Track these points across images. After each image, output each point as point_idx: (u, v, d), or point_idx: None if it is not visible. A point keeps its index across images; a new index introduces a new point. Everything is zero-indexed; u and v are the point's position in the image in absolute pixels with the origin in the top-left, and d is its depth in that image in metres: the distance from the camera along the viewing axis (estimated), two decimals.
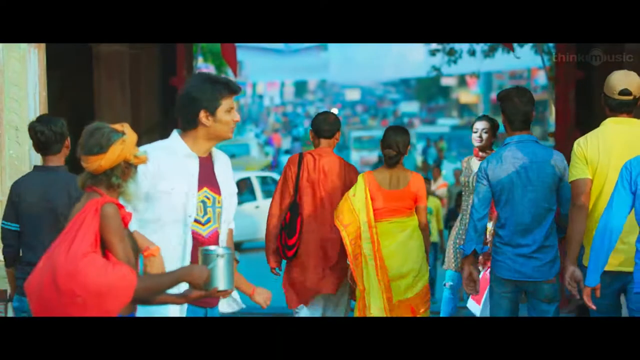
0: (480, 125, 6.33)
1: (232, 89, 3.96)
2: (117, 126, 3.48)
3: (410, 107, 45.66)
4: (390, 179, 5.75)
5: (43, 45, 5.97)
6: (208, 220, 3.99)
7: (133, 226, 3.83)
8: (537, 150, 4.93)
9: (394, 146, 5.71)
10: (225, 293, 3.55)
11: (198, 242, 3.95)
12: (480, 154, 6.29)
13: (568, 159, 4.84)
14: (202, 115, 3.93)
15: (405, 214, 5.73)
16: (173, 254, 3.91)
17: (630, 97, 4.69)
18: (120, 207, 3.40)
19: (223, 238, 4.07)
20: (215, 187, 4.04)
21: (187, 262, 3.91)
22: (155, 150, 3.90)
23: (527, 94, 5.01)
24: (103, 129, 3.44)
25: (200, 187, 3.98)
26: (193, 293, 3.51)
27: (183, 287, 3.57)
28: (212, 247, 3.57)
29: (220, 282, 3.51)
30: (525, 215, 4.89)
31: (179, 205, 3.92)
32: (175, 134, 4.02)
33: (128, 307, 3.47)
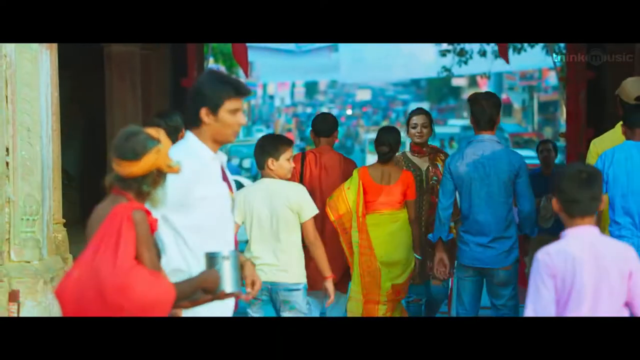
0: (419, 120, 6.38)
1: (240, 91, 3.85)
2: (153, 132, 3.38)
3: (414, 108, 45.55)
4: (382, 174, 6.15)
5: (55, 46, 5.99)
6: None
7: (168, 236, 3.75)
8: (495, 148, 5.50)
9: (386, 144, 6.13)
10: (233, 295, 3.53)
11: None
12: (424, 149, 6.42)
13: (580, 158, 4.92)
14: (203, 112, 3.82)
15: (395, 207, 6.13)
16: None
17: None
18: (148, 213, 3.35)
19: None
20: (229, 186, 3.99)
21: None
22: (184, 154, 3.74)
23: (493, 97, 5.61)
24: (139, 135, 3.35)
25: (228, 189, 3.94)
26: (201, 297, 3.49)
27: None
28: (216, 250, 3.53)
29: (227, 284, 3.47)
30: (482, 207, 5.47)
31: (218, 208, 3.82)
32: (191, 135, 3.90)
33: None
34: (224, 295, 3.49)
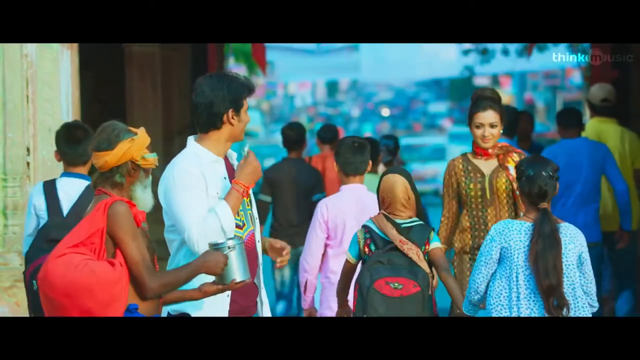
0: (485, 118, 5.08)
1: (251, 88, 3.89)
2: (133, 128, 3.45)
3: (439, 107, 45.36)
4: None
5: (76, 46, 5.99)
6: (243, 224, 3.90)
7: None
8: None
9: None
10: (244, 284, 3.50)
11: None
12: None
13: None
14: (230, 114, 3.83)
15: None
16: None
17: None
18: (132, 205, 3.36)
19: (258, 238, 3.99)
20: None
21: None
22: (191, 158, 3.81)
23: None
24: (115, 126, 3.41)
25: None
26: (210, 287, 3.46)
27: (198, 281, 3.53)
28: (220, 240, 3.51)
29: (237, 273, 3.46)
30: None
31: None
32: (193, 142, 3.90)
33: (152, 307, 3.43)
34: (234, 285, 3.47)
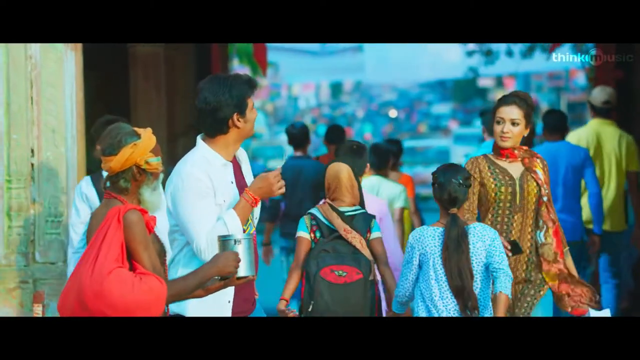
0: (507, 113, 4.74)
1: (254, 85, 3.88)
2: (138, 130, 3.42)
3: (442, 108, 45.30)
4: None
5: (80, 47, 5.99)
6: (246, 227, 3.91)
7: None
8: None
9: None
10: (247, 279, 3.47)
11: None
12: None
13: None
14: (235, 118, 3.82)
15: None
16: None
17: None
18: (144, 212, 3.34)
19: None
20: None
21: None
22: (199, 162, 3.81)
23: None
24: (119, 130, 3.39)
25: (240, 194, 3.90)
26: (213, 283, 3.45)
27: None
28: (229, 234, 3.50)
29: (241, 268, 3.42)
30: None
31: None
32: (202, 143, 3.89)
33: None
34: (236, 280, 3.45)
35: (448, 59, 28.48)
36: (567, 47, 13.79)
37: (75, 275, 3.29)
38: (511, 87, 36.60)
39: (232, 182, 3.88)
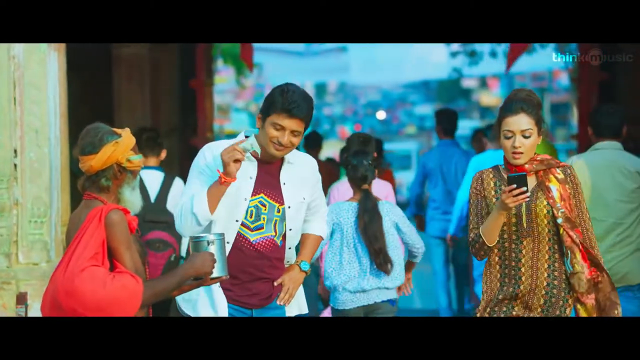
0: (517, 123, 4.00)
1: (284, 108, 3.83)
2: (118, 130, 3.42)
3: (425, 109, 45.34)
4: None
5: (63, 48, 5.96)
6: (259, 227, 3.92)
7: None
8: None
9: None
10: (220, 279, 3.50)
11: (243, 245, 3.90)
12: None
13: None
14: (258, 115, 3.93)
15: None
16: None
17: None
18: (126, 212, 3.34)
19: (292, 246, 4.02)
20: (276, 195, 3.96)
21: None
22: (219, 147, 3.90)
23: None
24: (98, 129, 3.39)
25: (256, 193, 3.92)
26: (187, 284, 3.45)
27: None
28: (202, 234, 3.52)
29: (214, 269, 3.45)
30: None
31: (232, 206, 3.86)
32: (241, 135, 3.99)
33: (140, 311, 3.42)
34: (209, 280, 3.46)
35: (432, 59, 28.56)
36: (551, 47, 13.86)
37: (53, 276, 3.29)
38: (495, 87, 36.76)
39: (250, 178, 3.91)
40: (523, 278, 3.97)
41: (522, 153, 3.94)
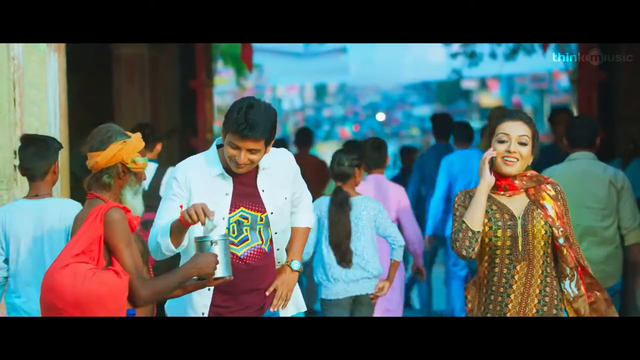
0: (514, 129, 3.79)
1: (236, 130, 3.68)
2: (129, 133, 3.44)
3: (423, 110, 45.25)
4: None
5: (63, 48, 5.96)
6: (245, 239, 3.83)
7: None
8: None
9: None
10: (223, 280, 3.48)
11: (232, 261, 3.74)
12: None
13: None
14: (222, 129, 3.78)
15: None
16: None
17: None
18: (127, 211, 3.35)
19: (280, 247, 3.95)
20: (256, 204, 3.85)
21: None
22: (190, 166, 3.77)
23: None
24: (110, 128, 3.41)
25: (234, 208, 3.81)
26: (191, 284, 3.44)
27: None
28: (206, 235, 3.50)
29: (218, 269, 3.44)
30: None
31: (209, 227, 3.71)
32: (213, 147, 3.85)
33: (147, 310, 3.43)
34: (212, 281, 3.45)
35: (432, 60, 28.56)
36: (551, 47, 13.86)
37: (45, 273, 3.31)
38: (495, 89, 36.76)
39: (226, 194, 3.79)
40: (510, 306, 3.68)
41: (516, 160, 3.65)
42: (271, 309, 3.95)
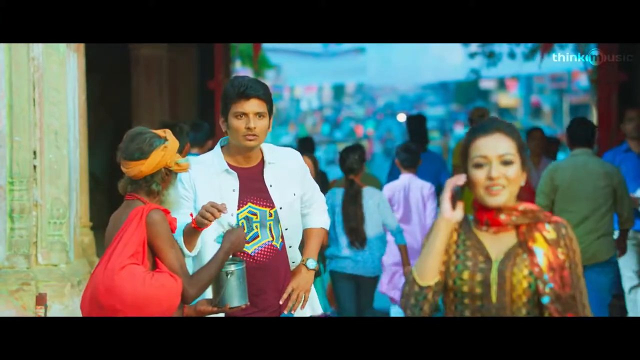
0: (493, 147, 2.71)
1: (238, 92, 3.66)
2: (160, 132, 3.41)
3: (437, 111, 45.09)
4: None
5: (82, 49, 5.99)
6: (254, 236, 3.75)
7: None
8: None
9: None
10: (239, 309, 3.48)
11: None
12: None
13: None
14: (221, 120, 3.74)
15: None
16: None
17: None
18: (167, 212, 3.35)
19: (293, 244, 3.86)
20: (264, 199, 3.78)
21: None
22: (193, 166, 3.67)
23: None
24: (145, 134, 3.38)
25: (242, 204, 3.75)
26: (206, 307, 3.45)
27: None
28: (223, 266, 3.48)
29: (234, 299, 3.45)
30: None
31: (217, 225, 3.62)
32: (217, 146, 3.81)
33: (177, 311, 3.43)
34: (229, 309, 3.47)
35: (450, 61, 28.48)
36: (569, 48, 13.79)
37: (93, 274, 3.32)
38: (513, 89, 36.61)
39: (233, 190, 3.74)
40: None
41: (501, 187, 2.70)
42: (285, 312, 3.87)
